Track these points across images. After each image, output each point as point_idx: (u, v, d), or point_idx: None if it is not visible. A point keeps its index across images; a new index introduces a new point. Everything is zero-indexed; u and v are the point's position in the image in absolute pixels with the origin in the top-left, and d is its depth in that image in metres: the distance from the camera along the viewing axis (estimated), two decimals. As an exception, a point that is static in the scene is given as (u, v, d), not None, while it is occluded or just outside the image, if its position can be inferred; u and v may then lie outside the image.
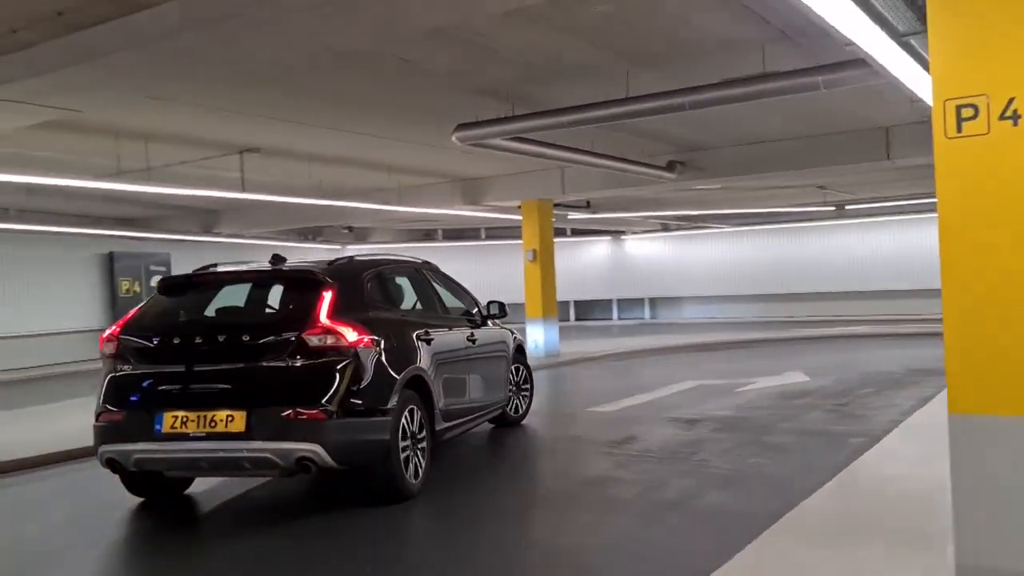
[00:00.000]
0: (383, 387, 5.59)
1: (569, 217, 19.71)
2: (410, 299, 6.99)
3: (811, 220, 23.70)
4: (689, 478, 6.21)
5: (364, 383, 5.46)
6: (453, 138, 9.57)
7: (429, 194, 16.43)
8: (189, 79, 7.17)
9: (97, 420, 5.67)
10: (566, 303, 28.01)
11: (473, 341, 7.37)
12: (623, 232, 27.48)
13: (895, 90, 6.62)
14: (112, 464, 5.58)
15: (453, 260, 27.49)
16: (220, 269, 6.39)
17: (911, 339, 16.80)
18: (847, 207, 20.93)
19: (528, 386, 8.86)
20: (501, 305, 8.09)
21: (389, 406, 5.58)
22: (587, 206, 19.12)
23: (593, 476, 6.62)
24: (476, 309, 7.89)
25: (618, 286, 28.26)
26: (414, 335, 6.24)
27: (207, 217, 19.29)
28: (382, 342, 5.70)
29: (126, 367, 5.65)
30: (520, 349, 8.77)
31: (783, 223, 24.11)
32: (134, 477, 5.89)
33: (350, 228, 25.72)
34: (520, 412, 8.67)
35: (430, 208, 16.53)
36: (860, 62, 6.04)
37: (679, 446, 7.35)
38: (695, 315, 26.97)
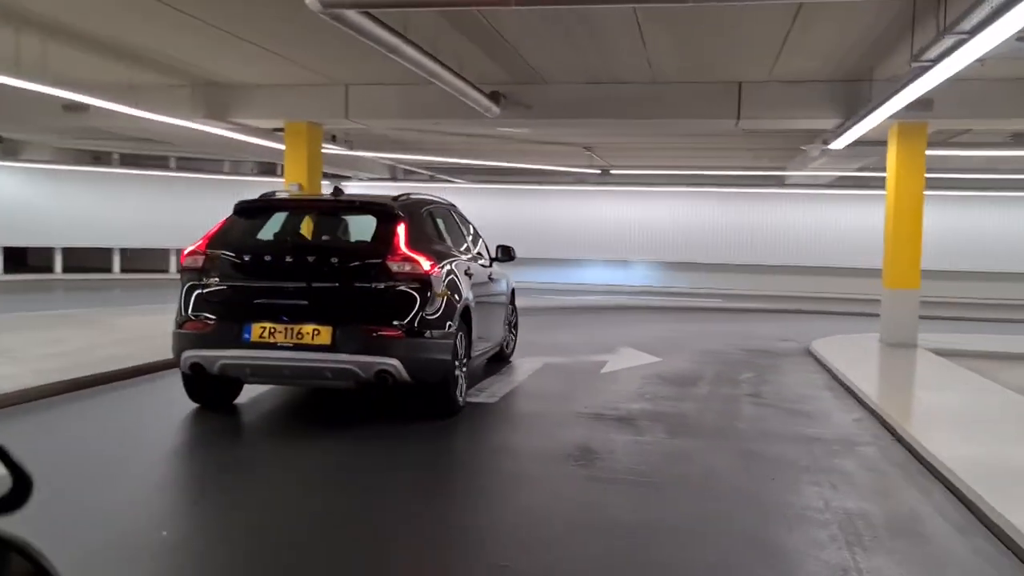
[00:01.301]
0: (447, 313, 6.08)
1: (325, 150, 16.39)
2: (450, 236, 7.28)
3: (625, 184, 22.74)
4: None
5: (434, 308, 5.92)
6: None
7: (155, 100, 12.32)
8: None
9: (181, 328, 6.02)
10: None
11: (492, 279, 8.03)
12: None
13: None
14: (196, 368, 5.94)
15: (133, 193, 23.20)
16: (300, 196, 7.32)
17: (716, 313, 16.47)
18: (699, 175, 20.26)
19: (516, 324, 9.53)
20: (508, 249, 8.53)
21: (451, 330, 6.10)
22: (332, 140, 16.04)
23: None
24: (486, 250, 8.37)
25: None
26: (462, 269, 6.73)
27: None
28: (445, 273, 6.22)
29: (213, 280, 6.00)
30: (513, 292, 9.27)
31: (566, 185, 22.82)
32: (202, 383, 6.22)
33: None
34: (511, 349, 9.34)
35: (159, 116, 12.39)
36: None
37: (658, 462, 5.30)
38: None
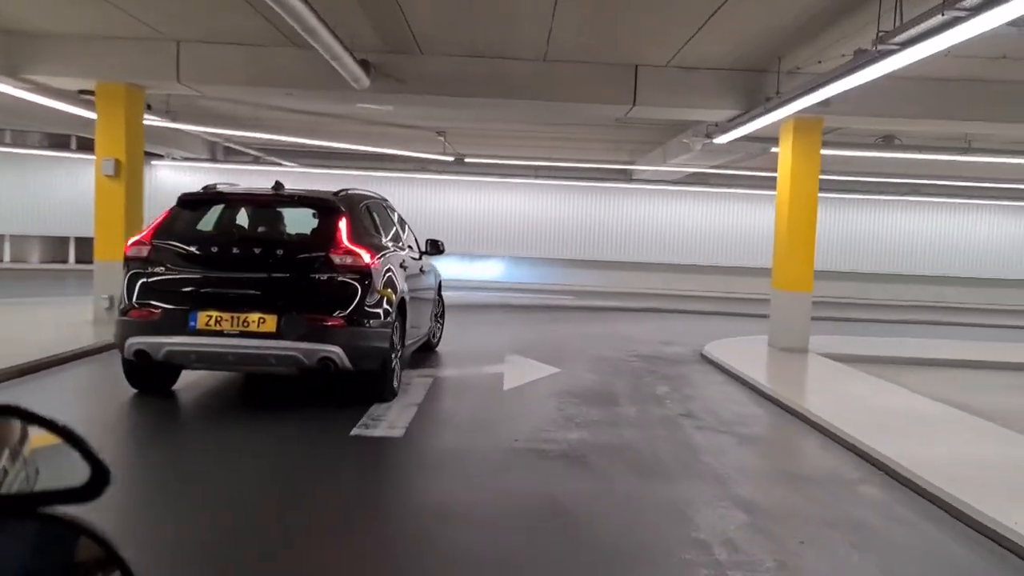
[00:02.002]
0: (386, 303, 6.39)
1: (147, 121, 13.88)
2: (384, 230, 7.37)
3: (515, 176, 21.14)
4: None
5: (374, 298, 6.22)
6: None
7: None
8: None
9: (125, 316, 6.17)
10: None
11: (423, 271, 8.26)
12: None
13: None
14: (140, 355, 6.08)
15: None
16: (244, 190, 7.27)
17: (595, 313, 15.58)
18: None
19: (442, 315, 9.87)
20: (437, 243, 8.73)
21: (389, 320, 6.40)
22: (148, 109, 13.65)
23: None
24: (416, 244, 8.50)
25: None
26: (398, 262, 7.02)
27: None
28: (383, 265, 6.50)
29: (159, 270, 6.14)
30: (440, 284, 9.59)
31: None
32: (142, 369, 6.38)
33: None
34: (437, 339, 9.58)
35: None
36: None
37: (654, 522, 4.17)
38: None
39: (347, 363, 6.01)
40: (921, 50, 5.97)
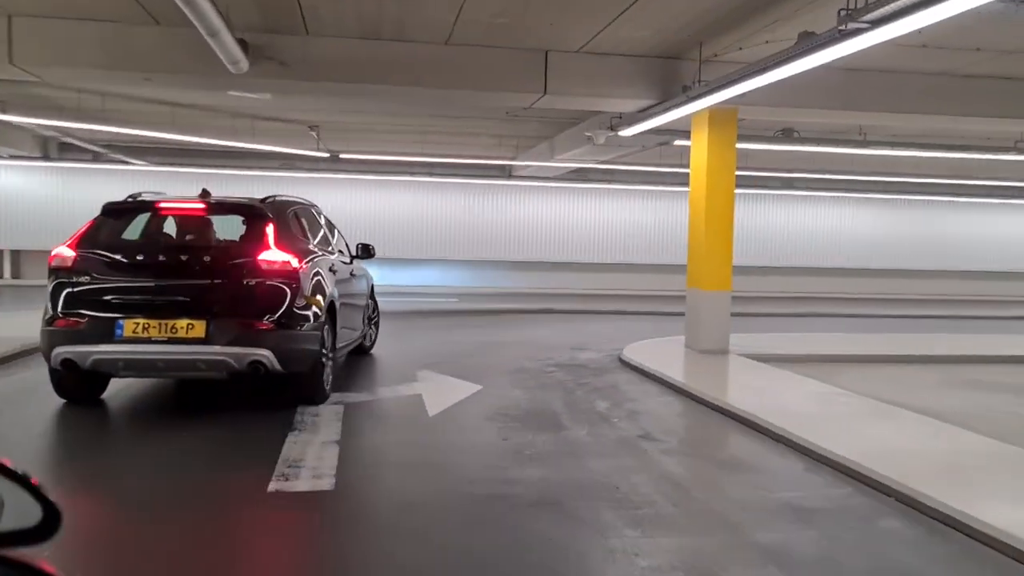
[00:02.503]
0: (315, 306, 6.46)
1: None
2: (313, 235, 7.39)
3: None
4: None
5: (303, 302, 6.30)
6: None
7: None
8: None
9: (50, 325, 6.12)
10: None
11: (353, 275, 8.35)
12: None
13: None
14: (67, 363, 6.07)
15: None
16: (173, 198, 6.84)
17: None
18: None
19: (377, 319, 9.91)
20: (367, 247, 8.91)
21: (318, 322, 6.46)
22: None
23: None
24: (346, 248, 8.67)
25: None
26: (327, 266, 7.07)
27: None
28: (311, 269, 6.56)
29: (84, 279, 6.11)
30: (372, 288, 9.61)
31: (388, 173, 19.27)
32: (70, 379, 6.39)
33: None
34: (371, 342, 9.67)
35: None
36: None
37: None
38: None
39: (277, 366, 6.08)
40: (896, 28, 5.48)
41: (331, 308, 6.86)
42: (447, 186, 20.33)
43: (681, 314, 10.87)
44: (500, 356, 9.98)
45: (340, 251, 8.24)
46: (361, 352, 9.30)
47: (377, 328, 9.98)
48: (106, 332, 5.94)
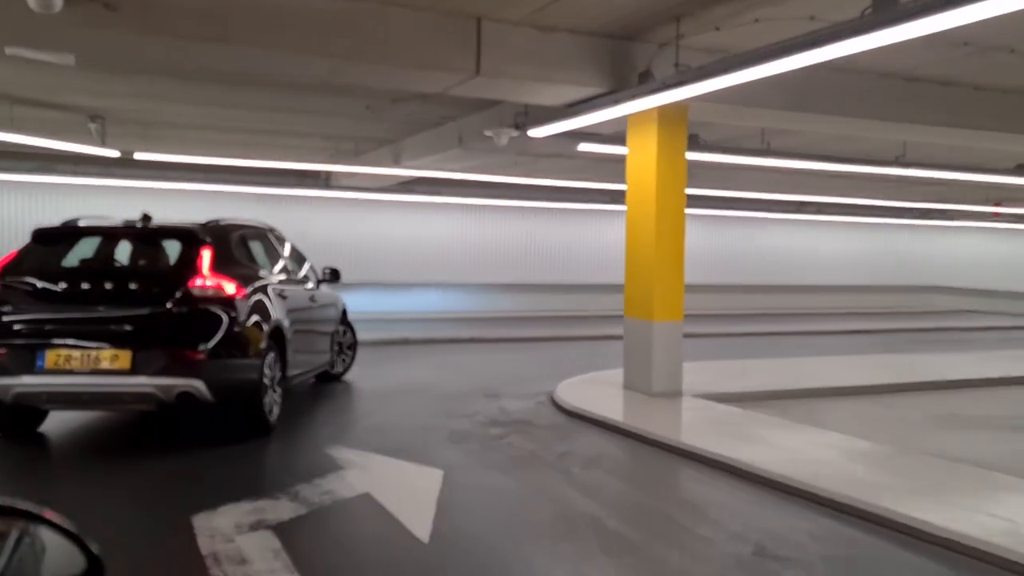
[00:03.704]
0: (254, 334, 6.17)
1: None
2: (264, 260, 7.22)
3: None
4: None
5: (239, 329, 5.99)
6: None
7: None
8: None
9: None
10: None
11: (314, 300, 7.96)
12: None
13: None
14: None
15: None
16: (103, 223, 6.72)
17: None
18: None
19: (352, 343, 9.39)
20: (335, 271, 8.56)
21: (257, 350, 6.16)
22: None
23: None
24: (312, 272, 8.38)
25: None
26: (275, 292, 6.77)
27: None
28: (252, 295, 6.27)
29: (5, 309, 5.89)
30: (344, 312, 9.16)
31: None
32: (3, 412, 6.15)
33: None
34: (341, 369, 9.18)
35: None
36: None
37: None
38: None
39: (208, 396, 5.79)
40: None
41: (276, 334, 6.53)
42: (258, 197, 17.25)
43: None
44: (415, 414, 7.66)
45: (304, 276, 8.07)
46: (331, 379, 8.98)
47: (354, 353, 9.45)
48: (27, 363, 5.72)
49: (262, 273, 6.81)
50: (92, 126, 12.40)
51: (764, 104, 8.35)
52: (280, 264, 7.55)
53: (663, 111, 8.16)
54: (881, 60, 7.87)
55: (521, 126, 9.36)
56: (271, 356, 6.37)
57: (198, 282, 5.90)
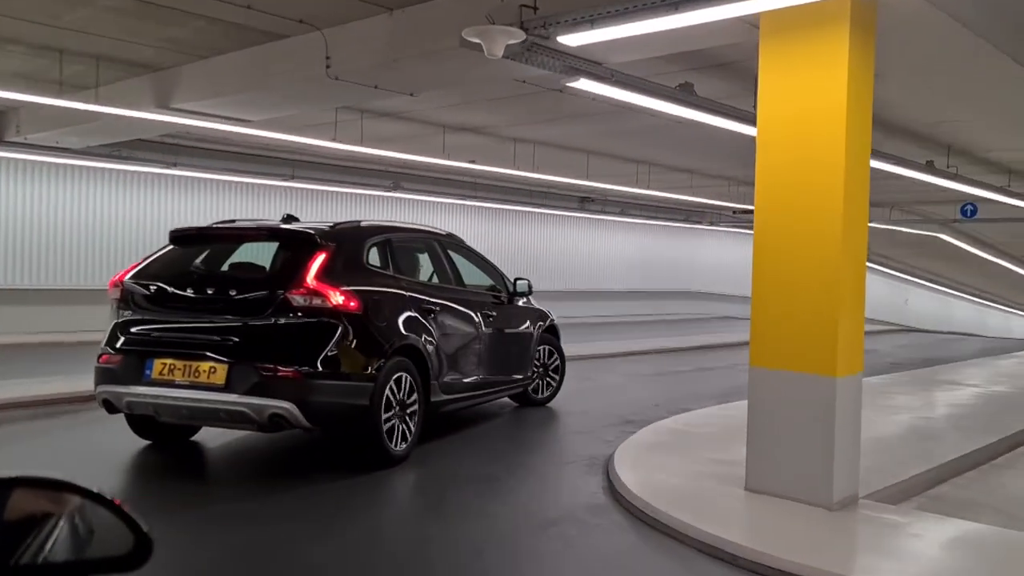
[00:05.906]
0: (366, 353, 5.48)
1: None
2: (426, 270, 6.77)
3: None
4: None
5: (346, 347, 5.34)
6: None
7: None
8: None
9: (98, 361, 5.67)
10: None
11: (490, 317, 7.14)
12: None
13: None
14: (107, 405, 5.60)
15: None
16: (222, 224, 6.30)
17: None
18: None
19: (558, 366, 8.42)
20: (527, 283, 7.80)
21: (370, 372, 5.45)
22: None
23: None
24: (503, 285, 7.63)
25: None
26: (416, 306, 6.09)
27: None
28: (373, 308, 5.61)
29: (127, 312, 5.67)
30: (552, 330, 8.33)
31: None
32: (134, 419, 5.90)
33: None
34: (544, 394, 8.33)
35: None
36: None
37: None
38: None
39: (303, 421, 5.14)
40: None
41: (410, 352, 5.76)
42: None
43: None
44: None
45: (487, 290, 7.37)
46: (528, 404, 8.15)
47: (561, 377, 8.43)
48: (137, 372, 5.40)
49: (405, 284, 6.11)
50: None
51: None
52: (444, 276, 6.93)
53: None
54: None
55: (531, 28, 5.14)
56: (396, 379, 5.58)
57: (300, 290, 5.27)
